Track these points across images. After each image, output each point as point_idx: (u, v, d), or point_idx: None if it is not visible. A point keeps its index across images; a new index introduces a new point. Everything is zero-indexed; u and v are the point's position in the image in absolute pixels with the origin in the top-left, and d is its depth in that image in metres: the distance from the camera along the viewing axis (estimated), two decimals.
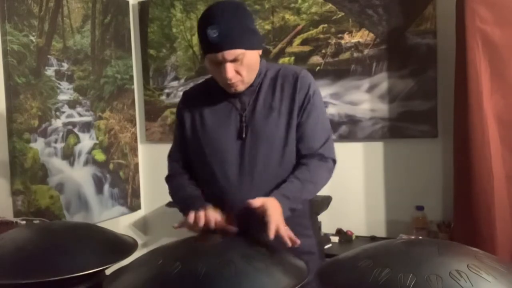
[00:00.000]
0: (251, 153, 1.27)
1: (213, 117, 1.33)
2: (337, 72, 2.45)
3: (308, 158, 1.30)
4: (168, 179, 1.44)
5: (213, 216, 1.20)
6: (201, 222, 1.17)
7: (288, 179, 1.27)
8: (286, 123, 1.29)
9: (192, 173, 1.42)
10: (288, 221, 1.17)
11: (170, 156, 1.46)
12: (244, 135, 1.28)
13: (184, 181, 1.39)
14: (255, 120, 1.29)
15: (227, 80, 1.22)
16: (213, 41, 1.16)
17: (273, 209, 1.14)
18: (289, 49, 2.56)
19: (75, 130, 2.53)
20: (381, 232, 2.43)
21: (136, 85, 3.04)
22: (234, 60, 1.20)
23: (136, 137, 3.01)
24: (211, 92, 1.36)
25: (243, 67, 1.22)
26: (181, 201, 1.35)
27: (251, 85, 1.30)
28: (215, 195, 1.30)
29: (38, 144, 2.30)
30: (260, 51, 1.28)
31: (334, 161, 1.35)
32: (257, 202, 1.15)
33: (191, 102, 1.39)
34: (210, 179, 1.31)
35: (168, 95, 2.94)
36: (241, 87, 1.27)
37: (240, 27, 1.20)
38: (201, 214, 1.18)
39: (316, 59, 2.49)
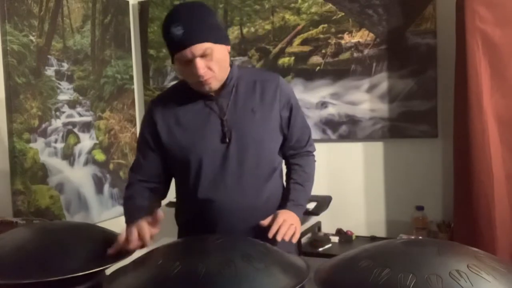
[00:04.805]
0: (238, 157, 1.28)
1: (191, 123, 1.31)
2: (337, 72, 2.45)
3: (297, 157, 1.44)
4: (126, 189, 1.39)
5: (146, 230, 1.14)
6: (134, 242, 1.12)
7: (290, 185, 1.39)
8: (268, 126, 1.33)
9: (162, 185, 1.40)
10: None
11: (132, 169, 1.40)
12: (227, 140, 1.28)
13: (137, 192, 1.34)
14: (239, 124, 1.29)
15: (199, 78, 1.20)
16: (177, 38, 1.16)
17: (285, 212, 1.28)
18: (289, 49, 2.56)
19: (75, 130, 2.53)
20: (381, 232, 2.43)
21: (136, 85, 3.04)
22: (203, 56, 1.18)
23: (136, 137, 3.01)
24: (183, 97, 1.32)
25: (213, 62, 1.20)
26: (125, 212, 1.30)
27: (226, 87, 1.29)
28: (199, 202, 1.30)
29: (38, 144, 2.30)
30: (228, 48, 1.27)
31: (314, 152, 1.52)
32: (268, 220, 1.25)
33: (162, 110, 1.34)
34: (194, 186, 1.30)
35: None
36: (214, 84, 1.25)
37: (204, 22, 1.19)
38: (134, 232, 1.13)
39: (316, 59, 2.49)
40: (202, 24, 1.19)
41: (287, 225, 1.22)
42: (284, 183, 1.45)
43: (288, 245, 1.33)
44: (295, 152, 1.43)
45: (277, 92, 1.34)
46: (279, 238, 1.19)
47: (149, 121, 1.36)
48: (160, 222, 1.15)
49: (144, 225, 1.15)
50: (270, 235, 1.19)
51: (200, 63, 1.18)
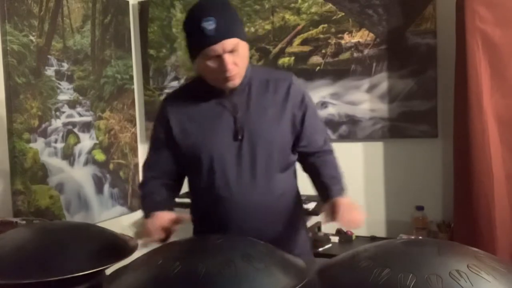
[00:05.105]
0: (251, 154, 1.28)
1: (203, 120, 1.31)
2: (337, 72, 2.45)
3: (319, 155, 1.39)
4: (141, 186, 1.40)
5: (166, 216, 1.18)
6: (157, 228, 1.15)
7: (327, 181, 1.34)
8: (280, 125, 1.32)
9: (176, 182, 1.40)
10: (285, 220, 1.31)
11: (146, 166, 1.41)
12: (240, 137, 1.28)
13: (154, 188, 1.35)
14: (251, 121, 1.29)
15: (226, 73, 1.20)
16: (210, 33, 1.16)
17: (343, 199, 1.23)
18: (289, 49, 2.56)
19: (75, 130, 2.53)
20: (381, 232, 2.43)
21: (136, 85, 3.04)
22: (231, 51, 1.19)
23: (136, 137, 3.01)
24: (195, 94, 1.33)
25: (239, 58, 1.22)
26: (144, 209, 1.31)
27: (240, 84, 1.29)
28: (211, 199, 1.30)
29: (38, 144, 2.30)
30: (248, 46, 1.28)
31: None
32: (329, 210, 1.19)
33: (175, 107, 1.35)
34: (206, 183, 1.30)
35: None
36: (238, 80, 1.26)
37: (233, 18, 1.22)
38: (155, 221, 1.16)
39: (316, 59, 2.49)
40: (231, 19, 1.20)
41: (352, 210, 1.17)
42: (296, 181, 1.44)
43: (303, 246, 1.33)
44: (314, 150, 1.39)
45: (290, 91, 1.33)
46: (345, 225, 1.15)
47: (162, 118, 1.36)
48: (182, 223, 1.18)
49: (163, 216, 1.18)
50: (340, 221, 1.13)
51: (229, 58, 1.19)
